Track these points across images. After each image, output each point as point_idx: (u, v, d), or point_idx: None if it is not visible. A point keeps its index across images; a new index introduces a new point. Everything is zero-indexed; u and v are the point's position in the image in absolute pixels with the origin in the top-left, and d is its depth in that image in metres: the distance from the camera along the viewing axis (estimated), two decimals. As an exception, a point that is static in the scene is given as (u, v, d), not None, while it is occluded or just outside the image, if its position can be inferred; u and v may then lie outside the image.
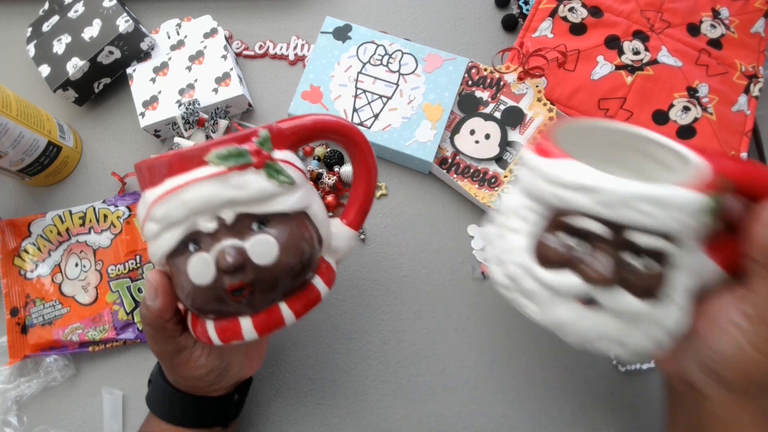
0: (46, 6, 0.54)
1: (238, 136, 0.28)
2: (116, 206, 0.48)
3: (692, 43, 0.48)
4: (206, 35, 0.53)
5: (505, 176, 0.46)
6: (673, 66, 0.47)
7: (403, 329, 0.45)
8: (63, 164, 0.51)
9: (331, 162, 0.48)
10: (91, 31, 0.50)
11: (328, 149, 0.49)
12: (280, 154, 0.29)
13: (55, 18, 0.53)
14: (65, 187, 0.52)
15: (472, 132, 0.47)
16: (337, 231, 0.34)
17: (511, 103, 0.47)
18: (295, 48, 0.54)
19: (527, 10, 0.52)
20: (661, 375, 0.34)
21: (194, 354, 0.32)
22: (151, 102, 0.49)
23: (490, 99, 0.47)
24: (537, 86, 0.47)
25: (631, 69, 0.47)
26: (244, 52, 0.54)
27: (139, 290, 0.46)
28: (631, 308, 0.25)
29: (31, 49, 0.52)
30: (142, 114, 0.49)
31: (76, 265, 0.47)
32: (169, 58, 0.51)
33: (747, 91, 0.47)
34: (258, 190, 0.28)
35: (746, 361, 0.25)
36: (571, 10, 0.49)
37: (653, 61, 0.47)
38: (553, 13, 0.49)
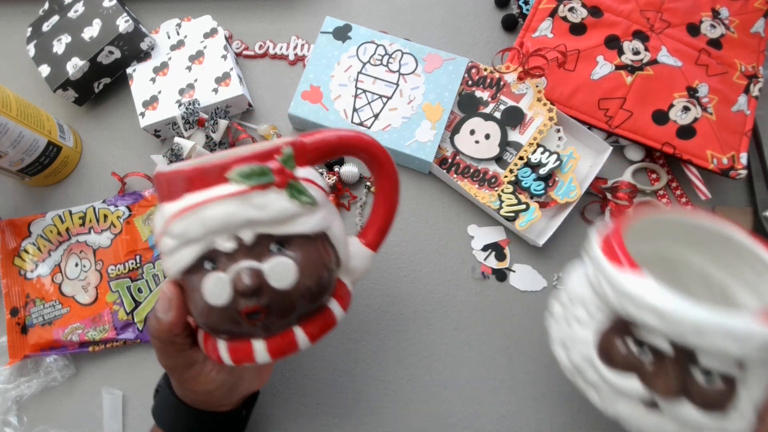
0: (46, 6, 0.54)
1: (260, 152, 0.27)
2: (116, 206, 0.48)
3: (692, 43, 0.48)
4: (206, 35, 0.53)
5: (505, 176, 0.46)
6: (673, 66, 0.47)
7: (403, 329, 0.45)
8: (63, 164, 0.51)
9: (331, 162, 0.48)
10: (91, 31, 0.50)
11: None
12: (302, 172, 0.28)
13: (55, 18, 0.53)
14: (65, 187, 0.52)
15: (472, 132, 0.47)
16: (355, 251, 0.33)
17: (511, 103, 0.47)
18: (295, 48, 0.54)
19: (527, 10, 0.52)
20: None
21: (205, 369, 0.31)
22: (151, 102, 0.49)
23: (490, 99, 0.47)
24: (537, 86, 0.47)
25: (631, 69, 0.47)
26: (244, 52, 0.54)
27: (139, 290, 0.46)
28: (694, 420, 0.25)
29: (31, 49, 0.52)
30: (142, 114, 0.49)
31: (76, 265, 0.47)
32: (169, 58, 0.51)
33: (747, 91, 0.47)
34: (279, 211, 0.27)
35: None
36: (571, 10, 0.49)
37: (653, 61, 0.47)
38: (553, 13, 0.49)
